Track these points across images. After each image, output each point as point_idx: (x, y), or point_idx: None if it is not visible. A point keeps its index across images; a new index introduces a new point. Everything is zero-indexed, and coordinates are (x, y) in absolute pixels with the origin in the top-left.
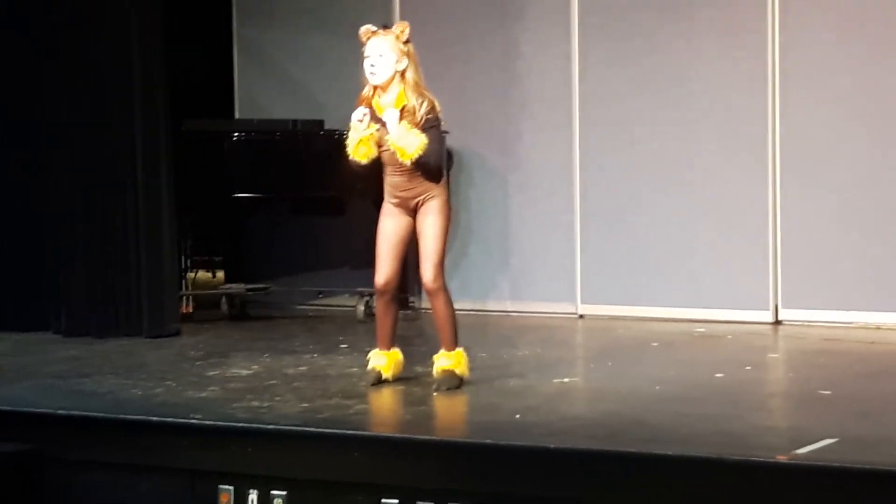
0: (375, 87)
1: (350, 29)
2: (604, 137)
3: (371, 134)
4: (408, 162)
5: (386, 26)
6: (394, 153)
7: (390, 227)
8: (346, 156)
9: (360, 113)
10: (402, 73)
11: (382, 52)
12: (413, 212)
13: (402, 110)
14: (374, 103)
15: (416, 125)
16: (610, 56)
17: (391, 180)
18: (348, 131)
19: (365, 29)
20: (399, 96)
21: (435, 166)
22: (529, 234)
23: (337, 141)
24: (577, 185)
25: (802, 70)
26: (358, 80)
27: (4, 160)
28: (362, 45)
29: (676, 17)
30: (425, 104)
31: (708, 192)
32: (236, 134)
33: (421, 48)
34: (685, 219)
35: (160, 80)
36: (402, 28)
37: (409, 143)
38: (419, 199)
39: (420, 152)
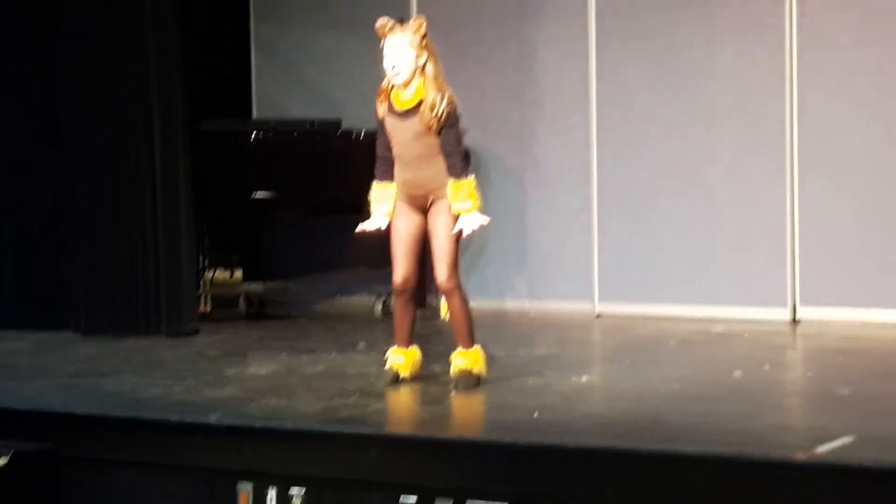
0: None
1: (367, 28)
2: (621, 137)
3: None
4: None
5: (402, 20)
6: (403, 146)
7: (403, 226)
8: (363, 155)
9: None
10: (422, 68)
11: (402, 52)
12: (425, 210)
13: (419, 104)
14: (392, 96)
15: (437, 119)
16: (627, 56)
17: (402, 178)
18: (365, 131)
19: (381, 23)
20: (418, 90)
21: (462, 164)
22: (547, 233)
23: (354, 140)
24: (594, 184)
25: (820, 69)
26: (375, 79)
27: (28, 161)
28: (380, 39)
29: (694, 16)
30: (445, 100)
31: (725, 191)
32: (254, 134)
33: (437, 47)
34: (702, 217)
35: (178, 80)
36: (419, 23)
37: (469, 210)
38: (430, 196)
39: (474, 205)
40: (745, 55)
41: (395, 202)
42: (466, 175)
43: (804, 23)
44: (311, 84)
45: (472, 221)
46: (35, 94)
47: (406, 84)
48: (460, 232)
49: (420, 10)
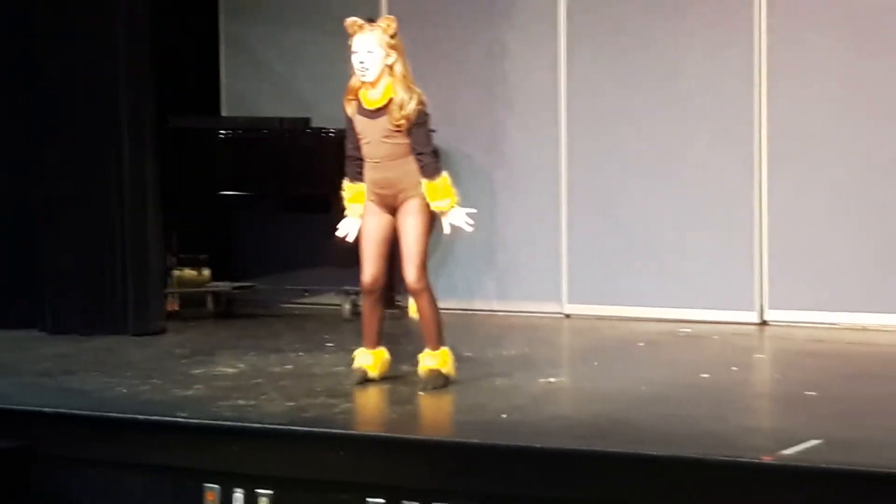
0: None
1: (337, 26)
2: (590, 136)
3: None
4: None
5: (371, 19)
6: (372, 146)
7: (373, 225)
8: (332, 153)
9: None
10: (391, 67)
11: (371, 48)
12: (393, 210)
13: (388, 103)
14: (361, 95)
15: (406, 118)
16: (597, 54)
17: (370, 175)
18: (335, 129)
19: (351, 21)
20: (387, 89)
21: (433, 162)
22: (516, 233)
23: (323, 139)
24: (563, 184)
25: (790, 69)
26: (344, 77)
27: None
28: (349, 37)
29: (664, 15)
30: (414, 99)
31: (695, 192)
32: (222, 131)
33: (407, 45)
34: (672, 218)
35: (146, 77)
36: (388, 22)
37: (449, 207)
38: (399, 196)
39: (452, 202)
40: (715, 55)
41: (365, 202)
42: (439, 173)
43: (773, 22)
44: (280, 81)
45: (457, 217)
46: (2, 91)
47: (374, 83)
48: (428, 229)
49: (390, 6)
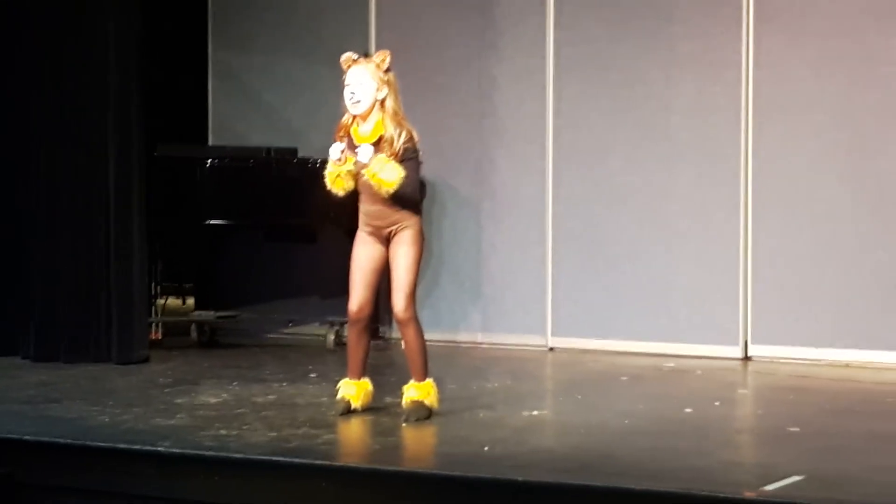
0: (355, 116)
1: (326, 56)
2: (578, 169)
3: (349, 170)
4: (384, 193)
5: (367, 54)
6: (370, 183)
7: (364, 255)
8: (319, 184)
9: (336, 151)
10: (382, 102)
11: (363, 81)
12: (386, 241)
13: (379, 139)
14: (352, 131)
15: (395, 155)
16: (585, 88)
17: (366, 209)
18: (322, 160)
19: (346, 56)
20: (377, 125)
21: (411, 198)
22: (501, 265)
23: (311, 169)
24: (549, 217)
25: (776, 105)
26: (333, 107)
27: None
28: (343, 72)
29: (652, 50)
30: (404, 134)
31: (680, 227)
32: (209, 160)
33: (396, 76)
34: (657, 253)
35: (134, 104)
36: (382, 57)
37: (387, 176)
38: (393, 228)
39: (398, 184)
40: (704, 90)
41: (358, 232)
42: (415, 211)
43: (760, 59)
44: (268, 111)
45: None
46: None
47: (365, 116)
48: (419, 260)
49: (380, 38)
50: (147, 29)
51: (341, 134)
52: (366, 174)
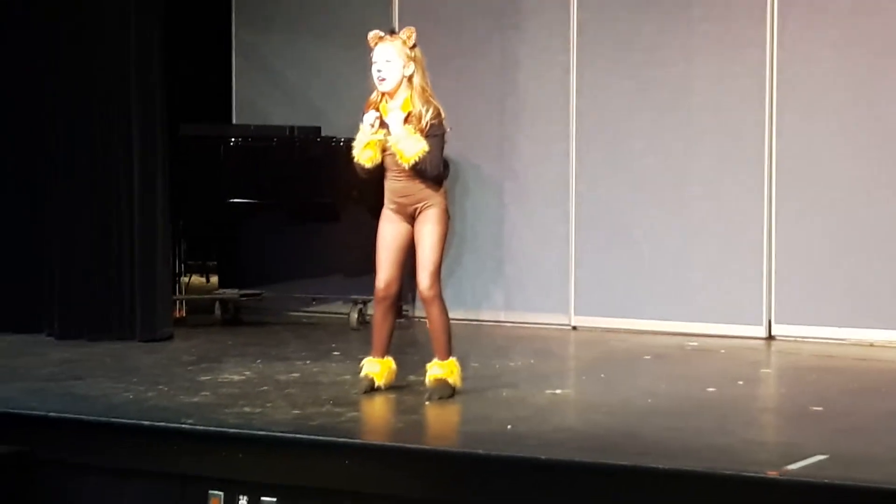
0: (383, 93)
1: (349, 36)
2: (600, 149)
3: (379, 139)
4: (406, 165)
5: (393, 31)
6: (393, 157)
7: (389, 232)
8: (342, 162)
9: (371, 117)
10: (409, 78)
11: (390, 58)
12: (411, 218)
13: (407, 115)
14: (381, 108)
15: (421, 131)
16: (608, 69)
17: (391, 185)
18: (345, 139)
19: (373, 34)
20: (406, 102)
21: (432, 174)
22: (524, 245)
23: (334, 148)
24: (572, 197)
25: (799, 87)
26: (356, 87)
27: (5, 163)
28: (370, 50)
29: (676, 32)
30: (431, 111)
31: (704, 207)
32: (233, 139)
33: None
34: (680, 232)
35: (158, 85)
36: (408, 33)
37: (409, 147)
38: (418, 206)
39: (419, 157)
40: (726, 72)
41: (383, 209)
42: (437, 188)
43: (784, 40)
44: (291, 90)
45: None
46: (11, 97)
47: (392, 93)
48: (445, 239)
49: (402, 17)
50: (171, 9)
51: (371, 110)
52: (390, 143)
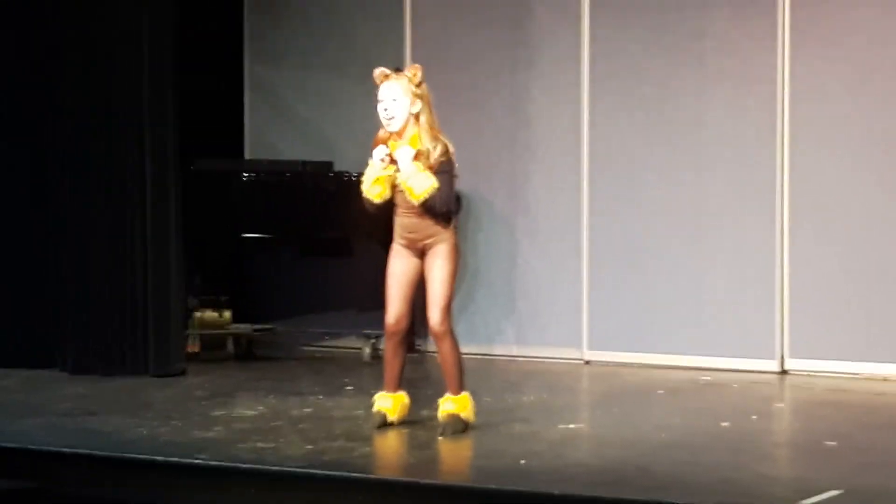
0: (391, 132)
1: (361, 71)
2: (613, 184)
3: (389, 175)
4: (415, 202)
5: (398, 69)
6: (403, 194)
7: (399, 267)
8: (354, 197)
9: (381, 152)
10: (417, 116)
11: (396, 97)
12: (421, 254)
13: (416, 153)
14: (390, 145)
15: (429, 168)
16: (620, 103)
17: (401, 221)
18: (357, 173)
19: (379, 72)
20: (413, 139)
21: (441, 210)
22: (536, 279)
23: (346, 183)
24: (584, 231)
25: (812, 120)
26: (368, 122)
27: (17, 198)
28: (376, 87)
29: (687, 66)
30: (439, 147)
31: (716, 241)
32: (245, 174)
33: (431, 92)
34: (693, 266)
35: (170, 120)
36: (414, 71)
37: (419, 184)
38: (427, 241)
39: (428, 194)
40: (738, 105)
41: (393, 244)
42: (446, 225)
43: (796, 74)
44: (303, 125)
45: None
46: (24, 131)
47: (401, 132)
48: (455, 274)
49: (414, 52)
50: (183, 42)
51: (380, 145)
52: (399, 180)
